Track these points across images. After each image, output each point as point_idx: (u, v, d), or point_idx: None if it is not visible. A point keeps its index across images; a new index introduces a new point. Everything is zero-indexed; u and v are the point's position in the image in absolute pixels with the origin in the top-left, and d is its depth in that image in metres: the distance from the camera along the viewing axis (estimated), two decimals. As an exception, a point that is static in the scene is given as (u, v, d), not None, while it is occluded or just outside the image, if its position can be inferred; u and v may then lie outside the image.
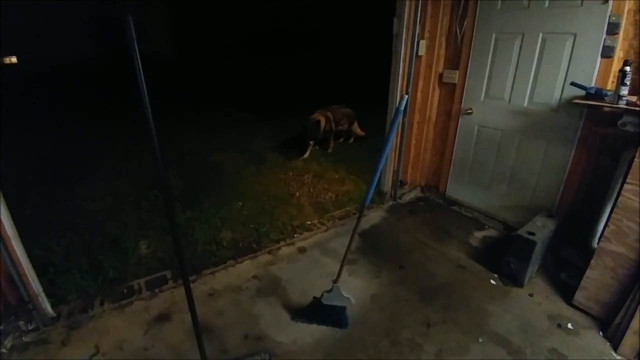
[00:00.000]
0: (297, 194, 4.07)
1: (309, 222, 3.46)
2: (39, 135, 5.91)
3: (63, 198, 3.75)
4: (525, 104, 3.04)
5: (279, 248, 3.06)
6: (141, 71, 1.26)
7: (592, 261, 2.26)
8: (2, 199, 1.95)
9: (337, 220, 3.52)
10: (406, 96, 1.76)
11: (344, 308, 2.19)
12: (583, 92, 2.52)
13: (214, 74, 12.74)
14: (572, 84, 2.56)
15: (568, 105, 2.72)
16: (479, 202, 3.61)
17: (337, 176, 4.57)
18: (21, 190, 3.64)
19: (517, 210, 3.27)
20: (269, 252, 2.99)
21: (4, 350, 2.01)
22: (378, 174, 1.91)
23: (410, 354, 2.07)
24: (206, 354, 1.76)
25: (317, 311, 2.20)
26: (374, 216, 3.61)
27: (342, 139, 6.06)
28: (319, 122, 5.12)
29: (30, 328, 2.14)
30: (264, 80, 11.36)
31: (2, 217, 1.95)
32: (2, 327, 2.07)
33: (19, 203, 2.17)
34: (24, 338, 2.09)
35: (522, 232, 2.56)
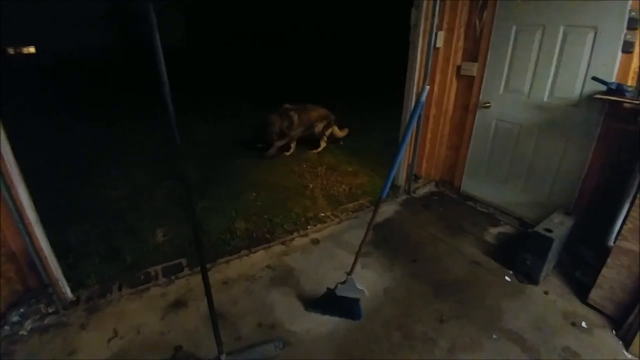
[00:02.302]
0: (311, 185, 4.07)
1: (323, 214, 3.46)
2: (57, 126, 6.02)
3: (82, 187, 3.83)
4: (545, 99, 2.98)
5: (293, 239, 3.08)
6: (162, 58, 1.27)
7: (609, 260, 2.23)
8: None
9: (350, 213, 3.52)
10: (427, 87, 1.73)
11: (357, 300, 2.19)
12: (604, 88, 2.46)
13: (225, 66, 12.78)
14: (594, 78, 2.50)
15: (588, 100, 2.67)
16: (495, 198, 3.57)
17: (350, 169, 4.56)
18: (42, 179, 3.72)
19: (534, 207, 3.22)
20: (283, 243, 3.01)
21: (24, 333, 2.06)
22: (396, 166, 1.89)
23: (423, 348, 2.07)
24: (221, 340, 1.79)
25: (331, 302, 2.21)
26: (387, 210, 3.59)
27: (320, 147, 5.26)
28: (273, 121, 4.76)
29: (50, 311, 2.20)
30: (275, 75, 11.35)
31: (24, 202, 2.00)
32: (22, 310, 2.13)
33: (39, 190, 2.21)
34: (44, 321, 2.15)
35: (539, 228, 2.52)
